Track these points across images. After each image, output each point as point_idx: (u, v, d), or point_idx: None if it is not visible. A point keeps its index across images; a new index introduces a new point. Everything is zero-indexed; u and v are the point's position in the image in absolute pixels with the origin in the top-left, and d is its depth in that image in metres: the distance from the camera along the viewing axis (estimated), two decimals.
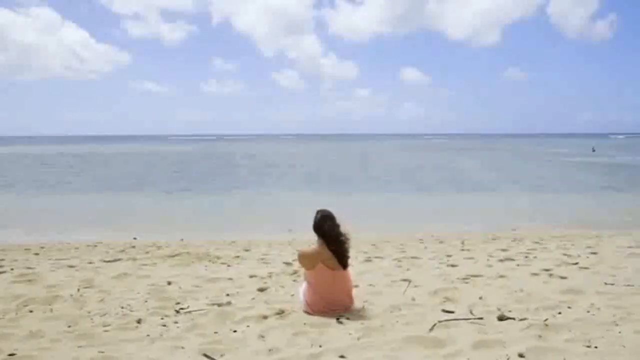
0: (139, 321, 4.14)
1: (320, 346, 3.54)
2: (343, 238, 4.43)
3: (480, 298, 4.83)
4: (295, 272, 6.22)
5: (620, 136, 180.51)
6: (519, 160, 45.00)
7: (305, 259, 4.46)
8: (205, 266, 7.04)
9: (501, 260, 7.17)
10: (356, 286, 5.44)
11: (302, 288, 4.64)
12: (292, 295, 5.01)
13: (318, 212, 4.53)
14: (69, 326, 3.99)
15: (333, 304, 4.35)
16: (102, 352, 3.40)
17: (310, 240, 4.48)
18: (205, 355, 3.33)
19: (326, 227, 4.41)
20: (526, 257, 7.46)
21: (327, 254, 4.38)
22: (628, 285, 5.22)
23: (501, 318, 4.10)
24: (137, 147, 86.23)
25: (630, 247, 8.20)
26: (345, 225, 4.58)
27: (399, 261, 7.30)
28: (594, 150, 56.99)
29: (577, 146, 76.16)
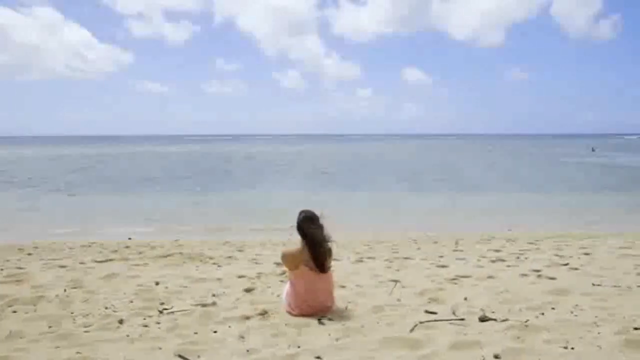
0: (120, 321, 4.14)
1: (298, 347, 3.53)
2: (323, 241, 4.40)
3: (466, 299, 4.83)
4: (283, 273, 6.21)
5: (634, 137, 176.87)
6: (519, 160, 44.95)
7: (288, 259, 4.46)
8: (196, 267, 7.04)
9: (492, 261, 7.16)
10: (343, 287, 5.47)
11: (285, 288, 4.64)
12: (278, 295, 5.01)
13: (301, 212, 4.52)
14: (50, 327, 3.99)
15: (314, 305, 4.34)
16: (80, 352, 3.40)
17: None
18: (180, 356, 3.33)
19: (307, 228, 4.39)
20: (518, 257, 7.45)
21: (308, 254, 4.37)
22: (615, 287, 5.21)
23: (482, 319, 4.09)
24: (139, 147, 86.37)
25: (623, 247, 8.19)
26: (332, 225, 4.56)
27: (390, 262, 7.29)
28: (593, 151, 56.74)
29: (580, 147, 75.94)
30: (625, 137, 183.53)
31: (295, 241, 4.58)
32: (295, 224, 4.50)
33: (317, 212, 4.55)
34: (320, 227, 4.44)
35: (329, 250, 4.48)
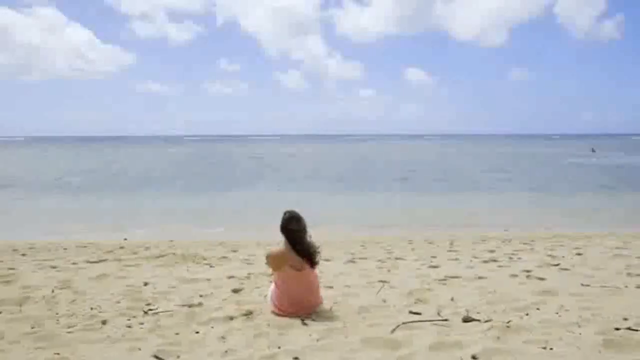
0: (104, 322, 4.14)
1: (278, 347, 3.53)
2: (309, 239, 4.41)
3: (452, 299, 4.82)
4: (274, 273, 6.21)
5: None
6: (518, 160, 44.87)
7: (273, 259, 4.47)
8: (188, 267, 7.04)
9: (485, 262, 7.14)
10: (331, 287, 5.45)
11: (271, 289, 4.64)
12: (265, 296, 5.00)
13: (285, 212, 4.53)
14: (33, 327, 3.99)
15: (299, 305, 4.34)
16: (58, 353, 3.40)
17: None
18: (156, 357, 3.33)
19: (292, 227, 4.40)
20: (510, 258, 7.43)
21: (293, 254, 4.38)
22: (603, 287, 5.19)
23: (466, 320, 4.08)
24: (141, 147, 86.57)
25: (617, 248, 8.17)
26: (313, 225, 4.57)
27: (383, 262, 7.28)
28: (593, 151, 56.39)
29: (580, 147, 75.59)
30: (632, 137, 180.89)
31: (281, 241, 4.57)
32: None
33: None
34: (305, 226, 4.44)
35: (314, 247, 4.48)
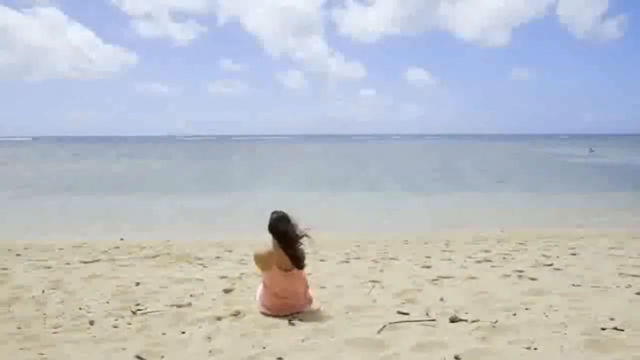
0: (91, 322, 4.13)
1: (263, 347, 3.53)
2: (297, 240, 4.40)
3: (441, 299, 4.81)
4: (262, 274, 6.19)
5: None
6: (520, 160, 44.86)
7: (260, 259, 4.47)
8: (181, 267, 7.04)
9: (478, 262, 7.13)
10: (323, 287, 5.45)
11: (259, 289, 4.64)
12: (256, 297, 4.99)
13: (273, 212, 4.52)
14: (19, 328, 3.99)
15: (287, 305, 4.35)
16: (42, 354, 3.39)
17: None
18: (138, 357, 3.32)
19: (280, 228, 4.39)
20: (504, 258, 7.41)
21: (281, 255, 4.37)
22: (594, 287, 5.18)
23: (453, 320, 4.07)
24: (146, 148, 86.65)
25: (611, 248, 8.15)
26: (305, 225, 4.54)
27: (376, 262, 7.27)
28: (592, 151, 56.22)
29: (581, 147, 75.49)
30: (633, 137, 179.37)
31: (269, 241, 4.56)
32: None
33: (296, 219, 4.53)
34: (293, 226, 4.43)
35: (302, 252, 4.47)
